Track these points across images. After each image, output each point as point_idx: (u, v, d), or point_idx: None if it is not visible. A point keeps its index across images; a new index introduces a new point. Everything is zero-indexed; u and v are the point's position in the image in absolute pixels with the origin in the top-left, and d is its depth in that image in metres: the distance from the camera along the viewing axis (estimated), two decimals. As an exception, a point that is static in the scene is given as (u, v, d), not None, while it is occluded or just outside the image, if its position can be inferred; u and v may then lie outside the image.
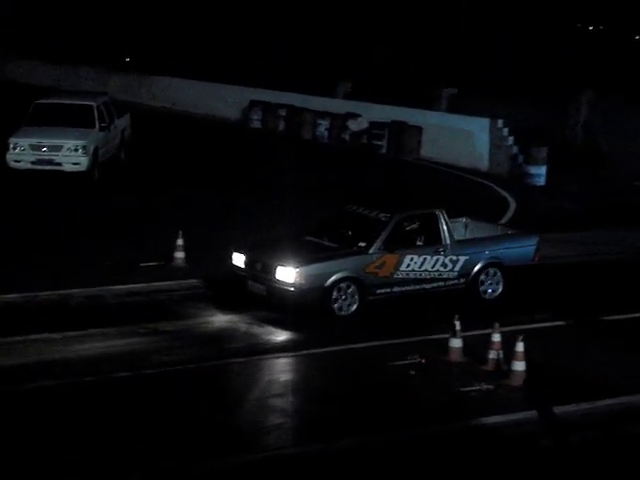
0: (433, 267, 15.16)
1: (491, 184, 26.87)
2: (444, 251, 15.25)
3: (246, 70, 40.51)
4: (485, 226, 16.79)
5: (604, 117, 30.73)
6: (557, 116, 31.60)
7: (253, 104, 37.29)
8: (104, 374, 11.85)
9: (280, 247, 15.17)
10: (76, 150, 23.03)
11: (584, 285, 16.48)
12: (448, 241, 15.34)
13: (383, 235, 14.90)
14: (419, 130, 31.57)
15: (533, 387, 11.77)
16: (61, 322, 13.79)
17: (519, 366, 12.02)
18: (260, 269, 14.71)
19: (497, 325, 12.57)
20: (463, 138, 30.44)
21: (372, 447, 10.13)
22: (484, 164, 29.89)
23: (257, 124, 36.98)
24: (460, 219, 16.51)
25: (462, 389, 11.68)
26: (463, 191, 24.12)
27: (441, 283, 15.29)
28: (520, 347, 12.01)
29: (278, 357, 13.05)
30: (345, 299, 14.53)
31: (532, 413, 11.07)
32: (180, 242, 16.90)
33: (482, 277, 15.54)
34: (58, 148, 23.01)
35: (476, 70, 38.43)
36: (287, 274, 14.33)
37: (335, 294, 14.41)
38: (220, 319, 14.44)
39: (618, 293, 16.08)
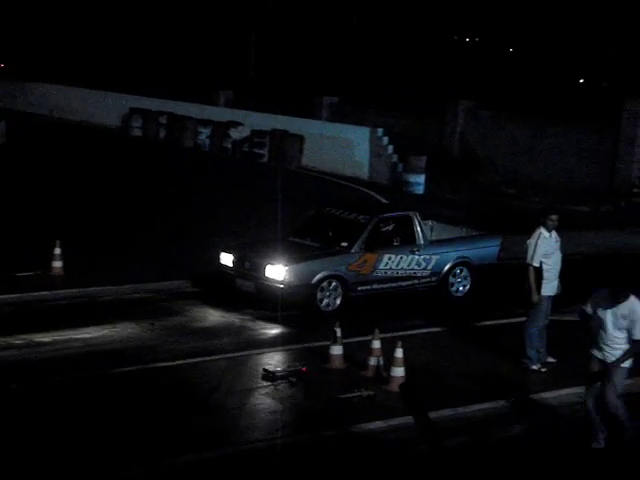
0: (409, 266, 16.00)
1: (371, 192, 27.15)
2: (418, 251, 16.08)
3: (126, 78, 40.05)
4: (449, 228, 17.66)
5: (480, 126, 31.47)
6: (435, 126, 32.22)
7: (133, 112, 36.89)
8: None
9: (267, 247, 15.94)
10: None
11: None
12: (422, 241, 16.23)
13: (363, 236, 15.73)
14: (300, 139, 31.74)
15: (410, 393, 11.90)
16: None
17: (398, 372, 12.14)
18: (249, 268, 15.37)
19: (377, 331, 12.67)
20: (344, 147, 30.74)
21: (250, 454, 10.06)
22: (365, 172, 30.25)
23: (137, 132, 36.60)
24: (426, 221, 17.16)
25: (342, 396, 11.72)
26: (341, 199, 24.24)
27: (415, 281, 16.16)
28: (399, 353, 12.13)
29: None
30: (329, 296, 15.27)
31: (409, 418, 11.20)
32: (58, 251, 16.56)
33: (452, 275, 16.41)
34: None
35: (356, 79, 38.83)
36: (276, 272, 15.00)
37: (320, 291, 15.13)
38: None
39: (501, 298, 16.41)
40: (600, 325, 10.21)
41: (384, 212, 16.61)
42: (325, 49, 41.15)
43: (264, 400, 11.60)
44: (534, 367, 13.04)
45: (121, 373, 12.22)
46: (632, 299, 10.08)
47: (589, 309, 10.37)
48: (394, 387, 12.07)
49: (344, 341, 12.90)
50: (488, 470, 10.04)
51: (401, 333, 13.84)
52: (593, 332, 10.34)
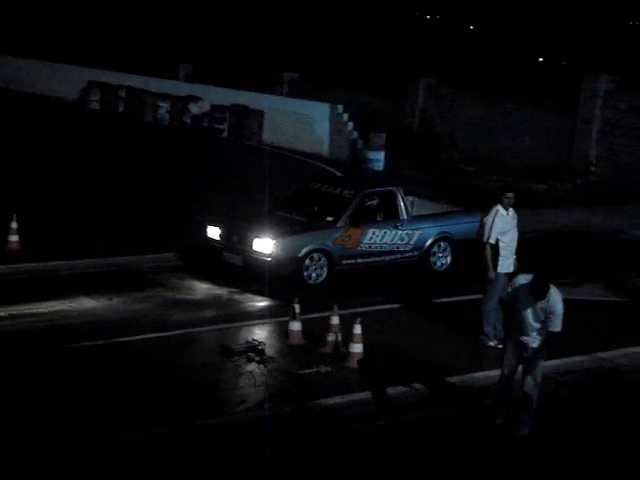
0: (392, 240, 16.30)
1: (331, 169, 27.17)
2: (402, 226, 16.37)
3: (84, 50, 39.59)
4: (430, 204, 17.83)
5: (440, 104, 31.56)
6: (396, 103, 32.25)
7: (91, 85, 36.52)
8: None
9: (254, 221, 16.08)
10: None
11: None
12: (405, 216, 16.49)
13: (348, 210, 15.97)
14: (260, 114, 31.65)
15: (369, 369, 11.98)
16: None
17: (357, 348, 12.19)
18: (236, 241, 15.59)
19: (336, 308, 12.70)
20: (304, 123, 30.70)
21: (205, 432, 10.08)
22: (325, 149, 30.26)
23: (95, 105, 36.25)
24: (407, 197, 17.19)
25: (300, 372, 11.76)
26: (304, 175, 24.26)
27: (398, 255, 16.45)
28: (358, 329, 12.18)
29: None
30: (315, 269, 15.57)
31: (367, 394, 11.27)
32: (14, 225, 16.41)
33: (434, 250, 16.73)
34: None
35: (316, 55, 38.74)
36: (264, 245, 15.23)
37: (307, 264, 15.42)
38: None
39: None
40: (520, 315, 10.24)
41: (369, 187, 16.76)
42: (286, 25, 40.94)
43: (221, 376, 11.60)
44: (491, 343, 13.16)
45: (83, 348, 12.15)
46: (551, 292, 10.03)
47: (509, 296, 10.39)
48: (353, 363, 12.15)
49: (304, 317, 12.94)
50: (443, 447, 10.14)
51: (363, 309, 13.91)
52: (514, 317, 10.36)
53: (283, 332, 13.02)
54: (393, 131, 29.23)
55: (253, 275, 15.28)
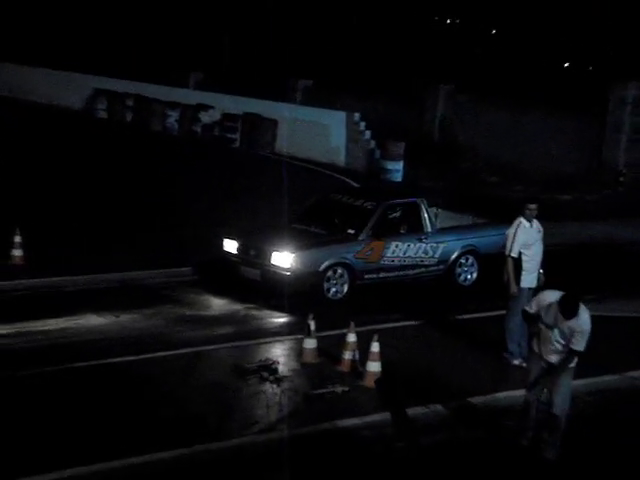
0: (416, 254, 16.33)
1: (348, 179, 27.18)
2: (426, 238, 16.41)
3: (91, 57, 39.79)
4: (455, 215, 17.87)
5: (461, 111, 31.55)
6: (414, 110, 32.26)
7: (98, 93, 36.69)
8: None
9: (272, 234, 16.12)
10: None
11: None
12: (429, 229, 16.55)
13: (370, 222, 16.02)
14: (274, 123, 31.72)
15: (387, 388, 11.95)
16: None
17: (374, 367, 12.16)
18: (254, 255, 15.62)
19: (352, 324, 12.69)
20: (319, 132, 30.75)
21: (218, 453, 10.07)
22: (341, 159, 30.28)
23: (102, 114, 36.41)
24: (431, 208, 17.20)
25: (315, 392, 11.73)
26: (319, 186, 24.31)
27: (423, 269, 16.50)
28: (375, 347, 12.15)
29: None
30: (336, 284, 15.56)
31: (385, 415, 11.23)
32: (18, 239, 16.45)
33: (459, 264, 16.78)
34: None
35: (332, 61, 38.79)
36: (283, 259, 15.26)
37: (328, 279, 15.44)
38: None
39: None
40: (545, 333, 10.19)
41: (391, 198, 16.77)
42: (300, 30, 41.06)
43: (233, 396, 11.59)
44: (515, 362, 13.09)
45: (89, 366, 12.17)
46: (581, 311, 9.98)
47: (533, 310, 10.32)
48: (370, 383, 12.11)
49: (320, 334, 12.91)
50: (465, 470, 10.09)
51: (381, 326, 13.88)
52: (539, 334, 10.30)
53: (299, 350, 13.00)
54: (412, 140, 29.23)
55: (271, 290, 15.29)
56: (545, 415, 10.39)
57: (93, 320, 14.04)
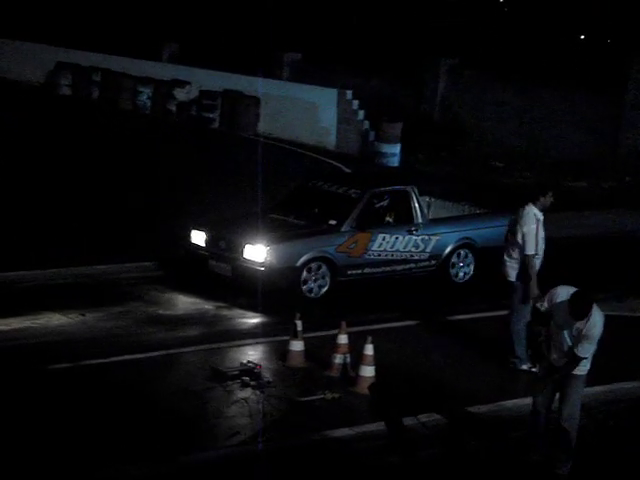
0: (405, 247, 16.18)
1: (339, 164, 27.18)
2: (416, 230, 16.25)
3: (53, 26, 39.53)
4: (449, 205, 17.77)
5: (464, 89, 31.53)
6: (413, 88, 32.23)
7: (61, 67, 36.51)
8: None
9: (245, 224, 15.93)
10: None
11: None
12: (420, 220, 16.40)
13: (354, 212, 15.86)
14: (257, 101, 31.66)
15: (381, 395, 11.95)
16: None
17: (368, 371, 12.16)
18: (224, 247, 15.47)
19: (344, 325, 12.69)
20: (307, 111, 30.72)
21: (194, 466, 10.05)
22: (331, 141, 30.26)
23: (66, 90, 36.25)
24: (422, 197, 17.11)
25: (302, 399, 11.73)
26: (306, 172, 24.31)
27: (412, 265, 16.34)
28: (369, 350, 12.15)
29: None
30: (315, 280, 15.42)
31: (380, 425, 11.24)
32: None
33: (453, 259, 16.60)
34: None
35: (322, 33, 38.68)
36: (257, 253, 15.10)
37: (305, 275, 15.26)
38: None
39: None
40: (557, 334, 10.14)
41: (378, 186, 16.63)
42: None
43: (211, 404, 11.57)
44: (524, 367, 13.11)
45: (50, 371, 12.13)
46: (593, 312, 9.91)
47: (545, 307, 10.26)
48: (363, 389, 12.11)
49: (306, 335, 12.91)
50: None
51: (373, 327, 13.87)
52: (549, 334, 10.27)
53: (281, 353, 12.99)
54: (410, 121, 29.21)
55: (243, 287, 15.22)
56: (555, 426, 10.37)
57: (55, 320, 13.99)
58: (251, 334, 14.05)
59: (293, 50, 35.39)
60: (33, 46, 37.93)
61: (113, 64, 35.54)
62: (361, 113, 30.14)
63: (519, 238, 13.07)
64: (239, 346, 13.53)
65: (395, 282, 16.28)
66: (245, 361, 12.61)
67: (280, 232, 15.58)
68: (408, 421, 11.32)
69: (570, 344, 10.06)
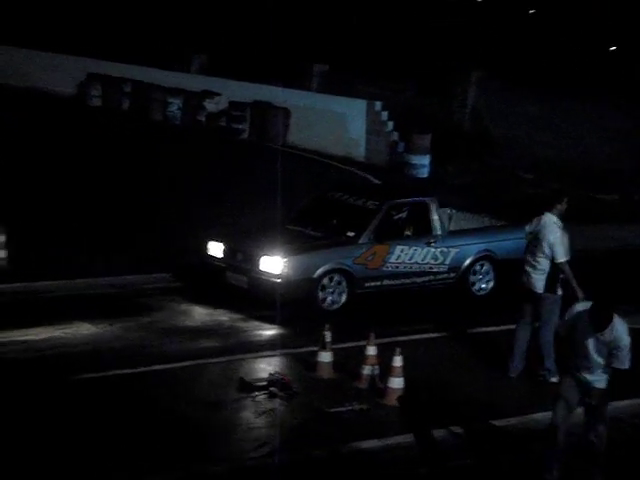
0: (423, 260, 16.13)
1: (367, 175, 27.16)
2: (435, 242, 16.19)
3: (84, 38, 39.72)
4: (470, 217, 17.67)
5: (494, 101, 31.46)
6: (442, 100, 32.18)
7: (92, 78, 36.69)
8: None
9: (262, 236, 15.89)
10: None
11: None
12: (439, 232, 16.34)
13: (373, 224, 15.80)
14: (286, 112, 31.70)
15: (410, 407, 11.93)
16: None
17: (397, 383, 12.14)
18: (241, 259, 15.46)
19: (372, 336, 12.68)
20: (336, 122, 30.72)
21: (223, 477, 10.07)
22: (360, 152, 30.24)
23: (97, 101, 36.40)
24: (443, 209, 17.09)
25: (331, 410, 11.72)
26: (332, 183, 24.30)
27: (431, 277, 16.29)
28: (398, 361, 12.14)
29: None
30: (333, 292, 15.38)
31: (409, 437, 11.22)
32: (2, 239, 16.51)
33: (473, 271, 16.54)
34: None
35: (350, 44, 38.70)
36: (273, 264, 15.08)
37: (322, 287, 15.23)
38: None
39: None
40: (580, 348, 10.00)
41: (396, 197, 16.61)
42: (316, 10, 41.03)
43: (238, 415, 11.59)
44: (553, 379, 13.03)
45: (76, 381, 12.18)
46: (615, 322, 9.78)
47: (564, 331, 10.21)
48: (391, 401, 12.09)
49: (335, 347, 12.90)
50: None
51: (398, 338, 13.85)
52: (572, 354, 10.15)
53: (304, 364, 12.99)
54: (439, 132, 29.16)
55: (260, 299, 15.17)
56: (583, 443, 10.22)
57: (84, 329, 14.06)
58: (274, 345, 13.97)
59: (322, 61, 35.41)
60: (64, 57, 38.11)
61: (143, 75, 35.70)
62: (390, 124, 30.13)
63: (545, 248, 13.04)
64: (266, 357, 13.51)
65: (414, 295, 16.23)
66: (272, 372, 12.63)
67: (297, 244, 15.53)
68: (437, 433, 11.30)
69: (597, 358, 9.94)
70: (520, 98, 30.96)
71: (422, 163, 28.25)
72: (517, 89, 31.17)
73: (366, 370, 12.59)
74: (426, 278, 16.25)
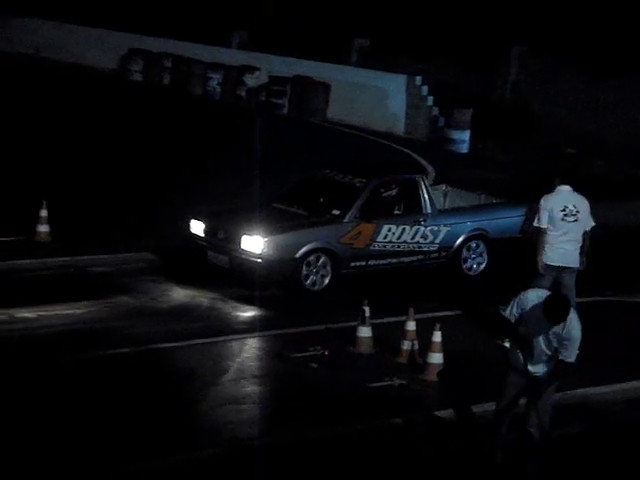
0: (412, 239, 15.69)
1: (407, 150, 27.08)
2: (424, 221, 15.77)
3: (125, 13, 39.82)
4: (466, 194, 17.25)
5: (536, 76, 31.25)
6: (483, 75, 31.99)
7: (133, 53, 36.78)
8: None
9: (245, 214, 15.59)
10: None
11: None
12: (429, 210, 15.90)
13: (358, 202, 15.37)
14: (326, 87, 31.63)
15: (450, 382, 11.96)
16: None
17: (436, 358, 12.17)
18: (222, 238, 15.14)
19: (412, 311, 12.71)
20: (376, 97, 30.62)
21: (266, 449, 10.17)
22: (400, 127, 30.13)
23: (137, 76, 36.48)
24: (438, 186, 16.92)
25: (371, 385, 11.78)
26: (375, 158, 24.25)
27: (420, 256, 15.85)
28: (437, 337, 12.16)
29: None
30: (316, 272, 15.04)
31: (449, 412, 11.25)
32: (44, 213, 16.63)
33: (465, 250, 16.09)
34: None
35: (391, 18, 38.52)
36: (254, 244, 14.74)
37: (306, 267, 14.91)
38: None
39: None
40: (529, 339, 9.70)
41: (384, 174, 16.22)
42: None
43: (282, 388, 11.67)
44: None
45: (111, 355, 12.33)
46: (571, 316, 9.53)
47: (512, 313, 9.72)
48: (431, 376, 12.12)
49: (373, 322, 12.94)
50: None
51: (438, 314, 13.85)
52: (523, 340, 9.78)
53: (347, 339, 12.97)
54: (480, 108, 29.01)
55: (241, 279, 14.91)
56: (520, 432, 10.09)
57: (125, 303, 14.19)
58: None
59: (362, 36, 35.27)
60: (106, 32, 38.22)
61: (184, 50, 35.73)
62: (430, 99, 30.00)
63: (580, 217, 13.11)
64: (303, 332, 13.56)
65: (408, 274, 15.80)
66: (311, 347, 12.69)
67: (280, 223, 15.17)
68: (476, 409, 11.32)
69: (545, 350, 9.69)
70: (563, 73, 30.71)
71: (462, 138, 28.11)
72: (561, 64, 30.92)
73: (405, 345, 12.63)
74: (415, 258, 15.79)
